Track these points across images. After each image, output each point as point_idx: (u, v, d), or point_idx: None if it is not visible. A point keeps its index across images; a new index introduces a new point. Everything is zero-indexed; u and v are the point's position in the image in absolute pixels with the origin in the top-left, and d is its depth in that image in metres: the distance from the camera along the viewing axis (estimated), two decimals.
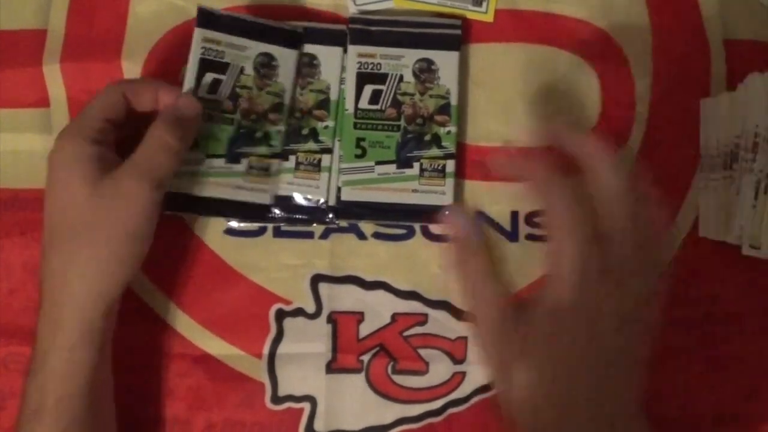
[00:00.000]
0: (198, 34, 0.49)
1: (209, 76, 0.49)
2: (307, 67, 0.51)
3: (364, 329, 0.50)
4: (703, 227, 0.51)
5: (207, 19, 0.49)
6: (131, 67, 0.51)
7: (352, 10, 0.52)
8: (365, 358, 0.50)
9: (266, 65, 0.50)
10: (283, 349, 0.50)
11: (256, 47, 0.50)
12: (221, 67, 0.49)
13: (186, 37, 0.51)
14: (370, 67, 0.51)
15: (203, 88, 0.49)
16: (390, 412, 0.50)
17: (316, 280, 0.51)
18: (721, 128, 0.50)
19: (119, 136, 0.47)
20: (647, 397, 0.50)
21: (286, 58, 0.50)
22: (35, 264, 0.50)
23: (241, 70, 0.50)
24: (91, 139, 0.45)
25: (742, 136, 0.47)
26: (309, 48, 0.51)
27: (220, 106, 0.49)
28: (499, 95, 0.52)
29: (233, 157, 0.49)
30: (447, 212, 0.49)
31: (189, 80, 0.49)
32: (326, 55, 0.51)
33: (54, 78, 0.51)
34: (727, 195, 0.48)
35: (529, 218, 0.51)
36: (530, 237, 0.51)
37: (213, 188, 0.49)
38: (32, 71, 0.51)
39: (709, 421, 0.51)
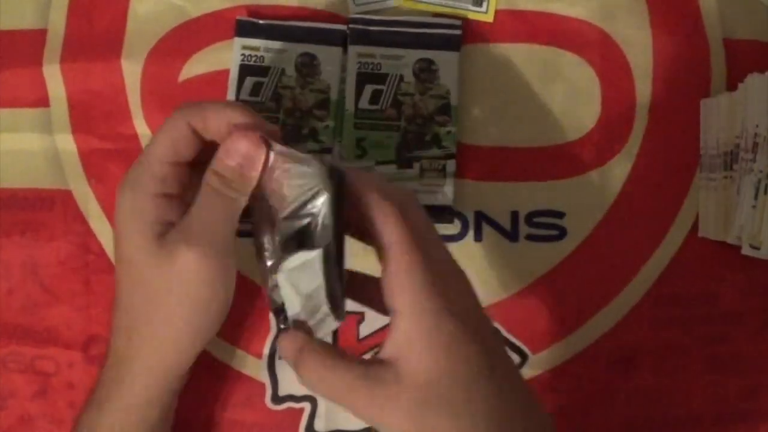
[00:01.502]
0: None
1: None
2: (308, 66, 0.51)
3: (365, 329, 0.50)
4: (703, 227, 0.51)
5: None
6: (131, 67, 0.51)
7: (352, 10, 0.52)
8: (366, 358, 0.50)
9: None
10: None
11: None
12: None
13: (186, 37, 0.52)
14: (370, 67, 0.51)
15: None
16: None
17: None
18: (721, 128, 0.50)
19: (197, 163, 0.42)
20: (648, 397, 0.51)
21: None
22: (34, 264, 0.50)
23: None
24: (152, 193, 0.40)
25: (742, 136, 0.47)
26: (309, 48, 0.51)
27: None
28: (500, 95, 0.52)
29: None
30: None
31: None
32: (326, 55, 0.51)
33: (54, 78, 0.51)
34: (727, 195, 0.48)
35: (529, 218, 0.51)
36: (530, 237, 0.51)
37: None
38: (32, 71, 0.51)
39: (709, 421, 0.51)
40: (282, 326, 0.40)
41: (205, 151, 0.41)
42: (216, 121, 0.40)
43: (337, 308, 0.37)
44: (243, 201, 0.40)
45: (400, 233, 0.36)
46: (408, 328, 0.35)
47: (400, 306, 0.36)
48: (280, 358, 0.38)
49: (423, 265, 0.36)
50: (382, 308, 0.38)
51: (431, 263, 0.36)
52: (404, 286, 0.36)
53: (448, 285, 0.36)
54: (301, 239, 0.38)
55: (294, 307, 0.39)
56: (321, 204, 0.37)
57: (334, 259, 0.37)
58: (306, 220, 0.38)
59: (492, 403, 0.36)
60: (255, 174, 0.39)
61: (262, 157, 0.39)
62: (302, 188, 0.38)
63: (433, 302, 0.36)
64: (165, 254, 0.39)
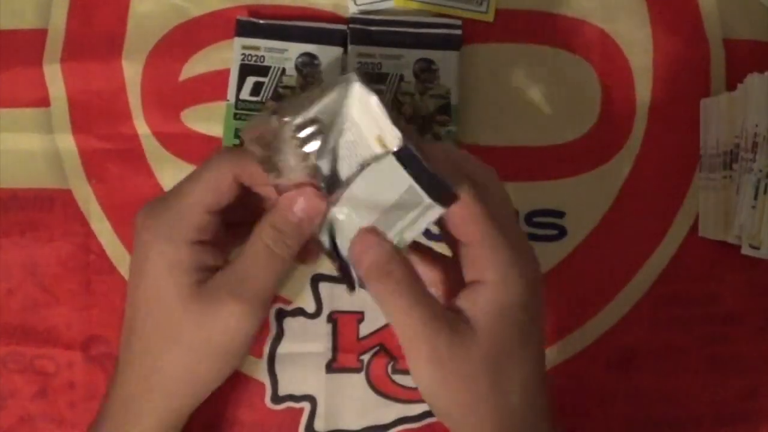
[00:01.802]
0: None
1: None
2: (308, 66, 0.51)
3: (365, 329, 0.50)
4: (703, 227, 0.51)
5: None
6: (132, 67, 0.51)
7: (352, 10, 0.52)
8: (365, 357, 0.50)
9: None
10: (283, 348, 0.50)
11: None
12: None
13: (186, 36, 0.52)
14: (371, 66, 0.51)
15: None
16: (390, 411, 0.50)
17: (316, 279, 0.51)
18: (721, 128, 0.50)
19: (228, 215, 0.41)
20: (648, 397, 0.51)
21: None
22: (34, 264, 0.50)
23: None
24: (190, 241, 0.38)
25: (741, 136, 0.47)
26: (309, 48, 0.51)
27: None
28: (500, 95, 0.52)
29: None
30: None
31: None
32: (326, 55, 0.51)
33: (54, 77, 0.51)
34: (727, 195, 0.48)
35: (529, 218, 0.51)
36: (530, 237, 0.51)
37: None
38: (32, 71, 0.51)
39: (709, 421, 0.51)
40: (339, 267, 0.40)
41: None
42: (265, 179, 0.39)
43: (441, 192, 0.36)
44: (292, 257, 0.39)
45: (487, 213, 0.37)
46: (496, 298, 0.37)
47: (489, 278, 0.37)
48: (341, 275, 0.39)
49: (508, 241, 0.37)
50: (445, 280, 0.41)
51: (514, 239, 0.38)
52: (493, 261, 0.37)
53: (527, 261, 0.38)
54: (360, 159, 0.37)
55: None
56: (355, 100, 0.36)
57: (410, 153, 0.36)
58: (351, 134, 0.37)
59: (534, 383, 0.38)
60: (311, 231, 0.39)
61: (323, 213, 0.38)
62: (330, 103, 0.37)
63: (521, 279, 0.37)
64: (206, 304, 0.38)
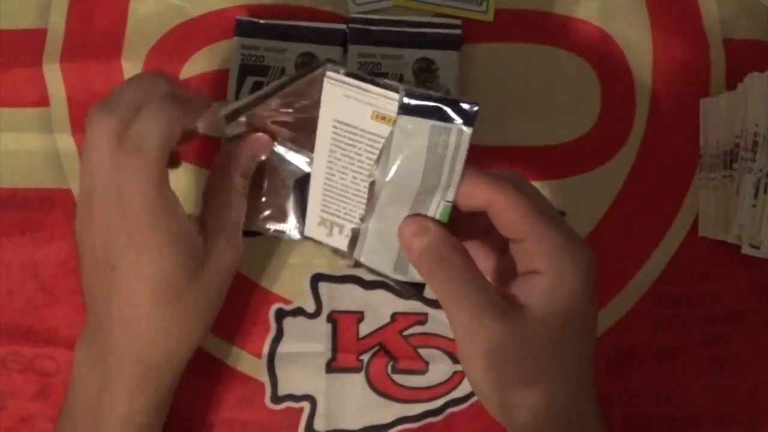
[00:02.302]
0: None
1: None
2: (308, 66, 0.51)
3: (364, 328, 0.50)
4: (703, 227, 0.51)
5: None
6: (131, 67, 0.51)
7: (352, 10, 0.52)
8: (365, 357, 0.50)
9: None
10: (282, 348, 0.50)
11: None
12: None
13: (186, 36, 0.52)
14: (370, 66, 0.51)
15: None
16: (390, 411, 0.50)
17: (316, 279, 0.51)
18: (721, 128, 0.50)
19: None
20: (648, 397, 0.50)
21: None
22: (34, 264, 0.50)
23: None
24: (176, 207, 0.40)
25: (741, 135, 0.47)
26: (309, 47, 0.51)
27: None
28: (499, 95, 0.52)
29: None
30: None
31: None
32: (326, 55, 0.51)
33: (54, 77, 0.51)
34: (727, 195, 0.48)
35: None
36: None
37: None
38: (32, 71, 0.51)
39: (709, 421, 0.51)
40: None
41: None
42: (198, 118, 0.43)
43: (462, 106, 0.37)
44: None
45: (533, 207, 0.38)
46: (550, 287, 0.38)
47: (543, 268, 0.38)
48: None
49: (558, 232, 0.38)
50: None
51: (564, 230, 0.39)
52: (545, 252, 0.38)
53: (580, 250, 0.39)
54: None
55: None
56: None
57: (412, 94, 0.37)
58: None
59: (583, 372, 0.40)
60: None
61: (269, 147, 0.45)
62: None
63: (574, 268, 0.38)
64: (206, 259, 0.42)
